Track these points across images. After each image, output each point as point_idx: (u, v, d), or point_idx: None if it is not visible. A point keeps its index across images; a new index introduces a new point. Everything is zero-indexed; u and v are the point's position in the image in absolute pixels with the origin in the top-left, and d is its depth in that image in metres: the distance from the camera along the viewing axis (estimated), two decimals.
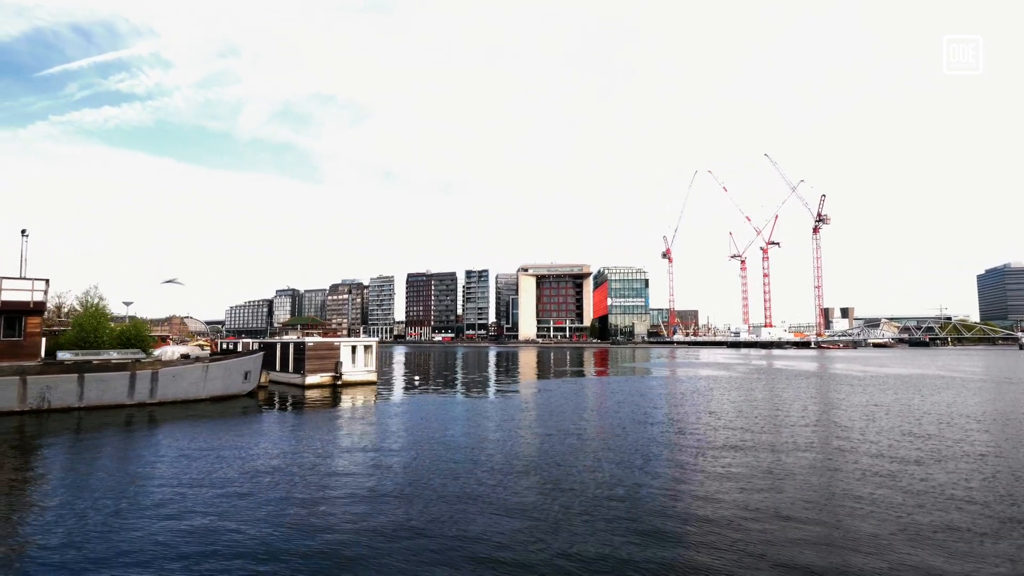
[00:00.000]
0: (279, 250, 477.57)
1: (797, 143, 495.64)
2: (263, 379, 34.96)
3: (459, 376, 46.88)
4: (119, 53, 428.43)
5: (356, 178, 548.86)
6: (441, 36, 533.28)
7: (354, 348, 36.80)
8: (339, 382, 35.26)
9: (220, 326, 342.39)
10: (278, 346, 38.20)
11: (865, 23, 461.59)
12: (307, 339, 36.05)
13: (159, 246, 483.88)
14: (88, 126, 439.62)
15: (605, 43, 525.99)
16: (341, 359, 35.71)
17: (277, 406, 27.32)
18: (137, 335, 31.23)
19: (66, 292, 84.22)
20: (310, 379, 34.56)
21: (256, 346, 41.76)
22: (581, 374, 50.59)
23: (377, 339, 38.83)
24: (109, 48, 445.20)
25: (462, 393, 33.63)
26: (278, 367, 37.82)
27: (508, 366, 64.36)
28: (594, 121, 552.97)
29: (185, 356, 29.92)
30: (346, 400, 30.08)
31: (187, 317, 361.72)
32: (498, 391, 34.86)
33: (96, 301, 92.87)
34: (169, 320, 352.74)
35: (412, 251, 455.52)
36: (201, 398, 27.16)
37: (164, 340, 54.01)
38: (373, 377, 37.31)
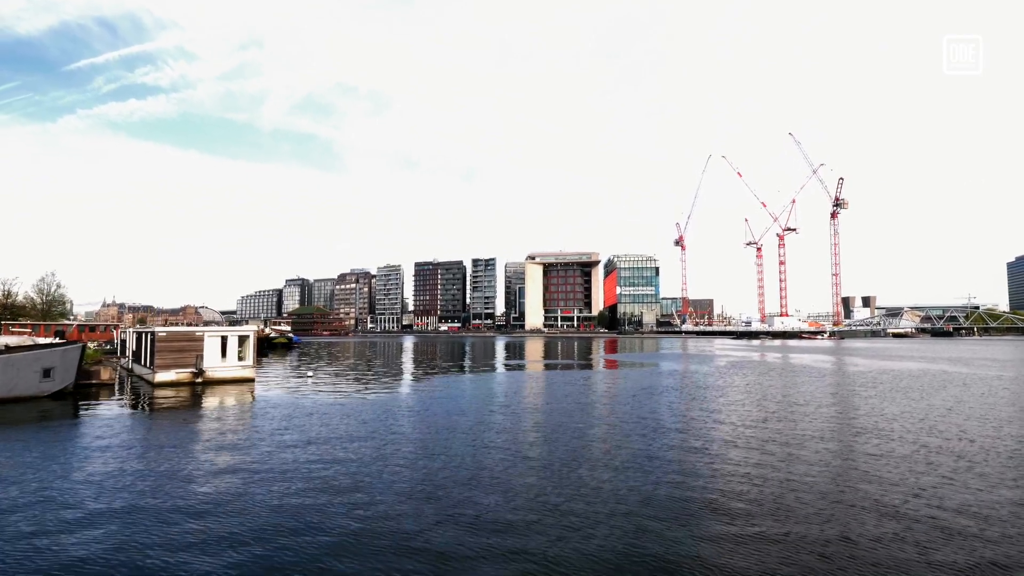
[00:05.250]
0: (293, 239, 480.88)
1: (814, 127, 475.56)
2: (106, 375, 29.64)
3: (378, 367, 41.06)
4: (144, 46, 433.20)
5: (377, 167, 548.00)
6: (462, 25, 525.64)
7: (224, 339, 31.15)
8: (199, 379, 29.65)
9: (233, 315, 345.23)
10: (142, 336, 32.83)
11: (865, 22, 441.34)
12: (159, 328, 30.50)
13: (178, 237, 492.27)
14: (114, 119, 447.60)
15: (624, 32, 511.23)
16: (204, 352, 30.10)
17: (96, 410, 21.76)
18: None
19: (13, 279, 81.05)
20: (161, 376, 29.02)
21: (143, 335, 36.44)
22: (522, 367, 44.25)
23: (255, 328, 33.00)
24: (134, 41, 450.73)
25: (370, 389, 27.66)
26: (142, 360, 32.50)
27: (455, 353, 58.29)
28: (608, 108, 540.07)
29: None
30: (205, 401, 24.63)
31: (202, 307, 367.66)
32: (420, 386, 28.81)
33: (53, 289, 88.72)
34: (183, 310, 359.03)
35: (424, 240, 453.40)
36: None
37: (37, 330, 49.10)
38: (249, 374, 31.61)
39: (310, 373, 35.84)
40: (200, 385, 29.43)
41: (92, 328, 70.18)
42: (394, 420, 19.29)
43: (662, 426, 17.92)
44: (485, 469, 12.46)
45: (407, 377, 36.52)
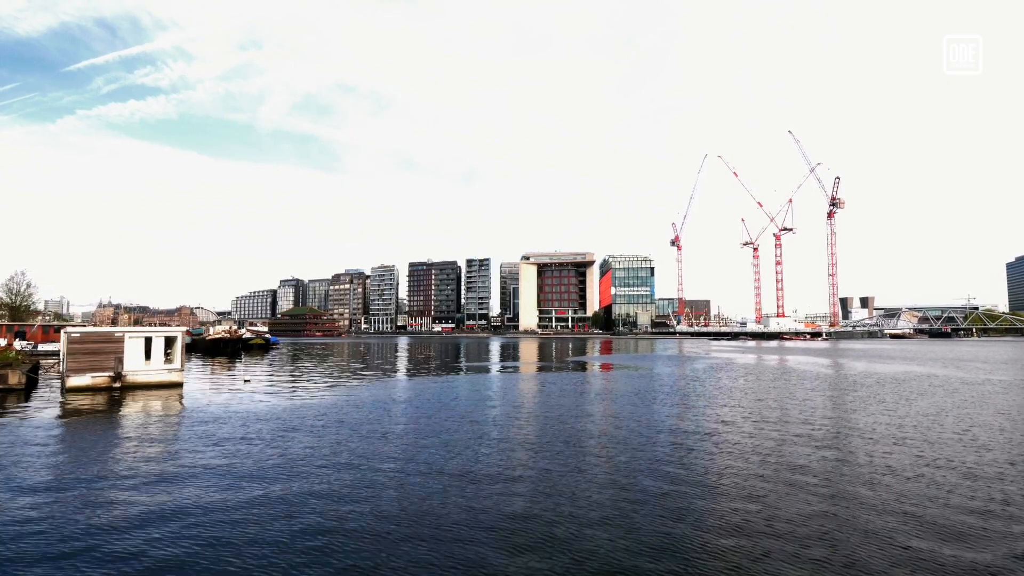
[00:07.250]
0: (291, 240, 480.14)
1: (812, 126, 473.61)
2: (15, 379, 27.29)
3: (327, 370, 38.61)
4: (143, 47, 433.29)
5: (376, 167, 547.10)
6: (462, 25, 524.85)
7: (148, 340, 28.78)
8: (117, 384, 27.26)
9: (228, 316, 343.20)
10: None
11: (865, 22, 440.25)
12: (72, 328, 28.18)
13: (177, 238, 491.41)
14: (114, 120, 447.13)
15: (623, 33, 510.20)
16: (125, 355, 27.73)
17: None
18: None
19: None
20: (74, 380, 26.69)
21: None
22: (516, 368, 41.80)
23: (184, 328, 30.70)
24: (134, 42, 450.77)
25: (320, 393, 25.23)
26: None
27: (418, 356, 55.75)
28: (606, 109, 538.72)
29: None
30: (123, 408, 22.37)
31: (197, 307, 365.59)
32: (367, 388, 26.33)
33: (23, 288, 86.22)
34: (179, 311, 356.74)
35: (421, 240, 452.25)
36: None
37: None
38: (177, 377, 29.18)
39: (247, 378, 33.36)
40: (118, 390, 27.05)
41: (57, 329, 67.86)
42: (323, 432, 16.84)
43: (618, 440, 15.46)
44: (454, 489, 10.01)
45: (368, 379, 34.05)
